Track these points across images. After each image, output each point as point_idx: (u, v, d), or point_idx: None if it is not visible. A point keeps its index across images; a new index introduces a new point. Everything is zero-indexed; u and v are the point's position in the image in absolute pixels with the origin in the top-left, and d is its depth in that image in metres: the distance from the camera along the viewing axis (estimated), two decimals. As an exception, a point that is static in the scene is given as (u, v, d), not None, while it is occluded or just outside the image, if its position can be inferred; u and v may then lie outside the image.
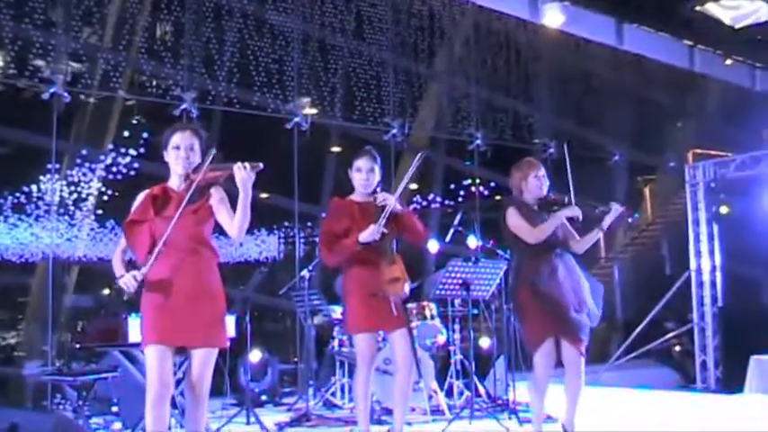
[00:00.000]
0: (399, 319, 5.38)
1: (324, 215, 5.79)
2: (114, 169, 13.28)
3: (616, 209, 5.97)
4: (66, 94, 9.41)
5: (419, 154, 5.57)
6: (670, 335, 12.65)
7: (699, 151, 15.41)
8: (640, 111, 14.70)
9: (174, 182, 4.64)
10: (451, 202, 15.42)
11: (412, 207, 5.38)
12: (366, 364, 5.43)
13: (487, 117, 12.40)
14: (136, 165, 12.82)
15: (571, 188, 5.87)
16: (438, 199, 15.07)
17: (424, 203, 14.70)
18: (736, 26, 9.16)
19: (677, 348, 12.95)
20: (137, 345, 5.80)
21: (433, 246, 8.49)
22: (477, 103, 12.16)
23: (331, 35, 10.97)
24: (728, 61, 11.74)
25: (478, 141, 11.98)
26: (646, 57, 11.56)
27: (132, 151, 12.90)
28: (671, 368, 12.83)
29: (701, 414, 8.21)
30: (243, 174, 4.47)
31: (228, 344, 4.78)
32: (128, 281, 4.41)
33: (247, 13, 10.35)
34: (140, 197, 4.62)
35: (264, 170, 4.52)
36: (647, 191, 17.47)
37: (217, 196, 4.62)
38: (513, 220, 5.93)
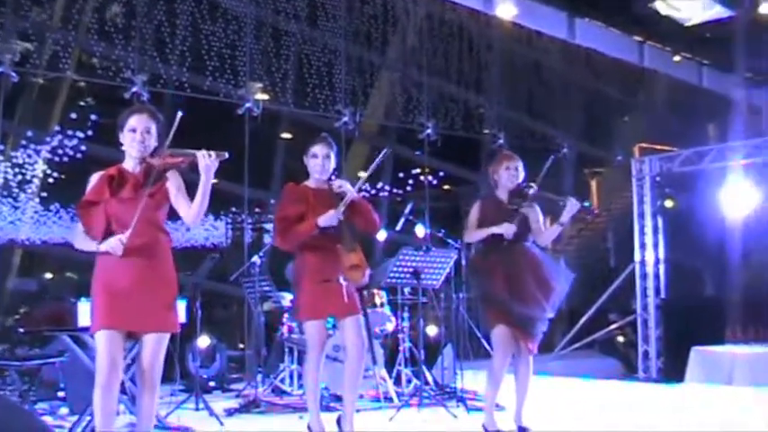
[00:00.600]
0: (351, 305, 5.40)
1: (278, 201, 5.76)
2: (60, 151, 13.10)
3: (572, 203, 6.06)
4: (13, 74, 9.26)
5: (384, 151, 5.59)
6: (614, 326, 12.85)
7: (645, 145, 15.67)
8: (589, 104, 14.89)
9: (129, 164, 4.59)
10: (400, 191, 15.48)
11: (360, 195, 5.42)
12: (316, 350, 5.44)
13: (439, 107, 12.44)
14: (83, 147, 12.67)
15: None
16: (387, 188, 15.11)
17: (373, 192, 14.72)
18: (687, 24, 9.29)
19: (620, 339, 13.15)
20: (86, 329, 5.75)
21: (381, 234, 8.52)
22: (429, 92, 12.19)
23: (284, 21, 10.92)
24: (677, 58, 11.93)
25: (429, 131, 12.01)
26: (596, 51, 11.66)
27: (80, 133, 12.75)
28: (614, 358, 13.02)
29: (644, 403, 8.36)
30: (207, 161, 4.46)
31: (179, 329, 4.76)
32: (115, 245, 4.38)
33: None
34: (95, 178, 4.57)
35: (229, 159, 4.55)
36: (593, 183, 17.70)
37: (174, 182, 4.60)
38: (471, 214, 6.10)
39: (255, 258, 7.92)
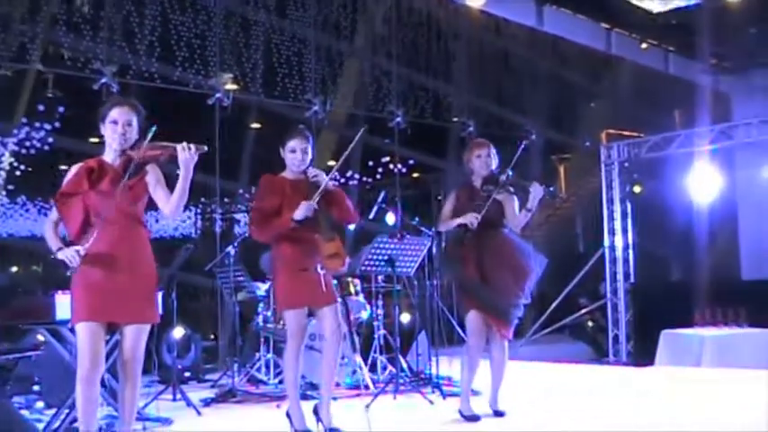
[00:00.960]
0: (328, 294, 5.44)
1: (255, 192, 5.77)
2: (28, 143, 12.99)
3: (537, 188, 6.14)
4: (-20, 67, 9.18)
5: (361, 130, 5.61)
6: (584, 311, 13.00)
7: (612, 131, 15.83)
8: (556, 91, 15.00)
9: (110, 156, 4.60)
10: (370, 180, 15.52)
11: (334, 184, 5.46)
12: (296, 340, 5.47)
13: (408, 95, 12.48)
14: (50, 139, 12.57)
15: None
16: (356, 176, 15.14)
17: (342, 180, 14.75)
18: (654, 11, 9.39)
19: (590, 323, 13.31)
20: (65, 322, 5.76)
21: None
22: (398, 81, 12.23)
23: (253, 11, 10.89)
24: (644, 45, 12.07)
25: (399, 119, 12.05)
26: (563, 38, 11.74)
27: (47, 125, 12.65)
28: (584, 342, 13.20)
29: (615, 386, 8.47)
30: (186, 155, 4.48)
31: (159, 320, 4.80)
32: (71, 255, 4.37)
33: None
34: (74, 169, 4.56)
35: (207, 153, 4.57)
36: (561, 169, 17.85)
37: (153, 174, 4.62)
38: (446, 203, 6.27)
39: (230, 249, 7.94)
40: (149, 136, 4.45)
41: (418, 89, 12.67)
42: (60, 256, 4.42)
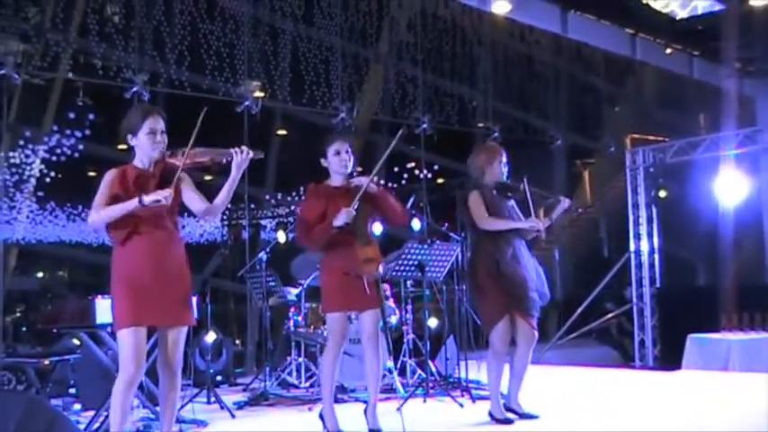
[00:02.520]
0: (372, 299, 5.54)
1: (302, 200, 5.89)
2: (58, 151, 13.19)
3: (564, 201, 6.24)
4: (16, 76, 9.34)
5: (399, 131, 5.68)
6: (609, 315, 13.02)
7: (637, 136, 15.86)
8: (580, 96, 15.06)
9: (143, 164, 4.70)
10: (395, 185, 15.60)
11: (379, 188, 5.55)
12: (336, 342, 5.60)
13: (434, 101, 12.57)
14: (80, 147, 12.77)
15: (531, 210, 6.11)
16: (381, 182, 15.22)
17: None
18: (678, 17, 9.46)
19: (616, 328, 13.33)
20: (104, 326, 5.89)
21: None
22: (424, 87, 12.32)
23: (280, 19, 11.02)
24: (668, 50, 12.11)
25: (425, 125, 12.14)
26: (587, 44, 11.80)
27: (77, 133, 12.85)
28: (610, 347, 13.22)
29: (643, 389, 8.51)
30: (241, 158, 4.62)
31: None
32: (165, 195, 4.49)
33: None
34: (112, 175, 4.62)
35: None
36: (585, 174, 17.86)
37: (187, 180, 4.74)
38: (474, 202, 6.18)
39: (262, 254, 8.06)
40: (192, 142, 4.57)
41: (443, 95, 12.75)
42: (152, 197, 4.49)
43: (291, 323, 8.28)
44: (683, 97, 14.68)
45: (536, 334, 6.27)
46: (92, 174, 12.34)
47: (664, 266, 12.05)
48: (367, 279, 5.47)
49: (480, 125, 13.26)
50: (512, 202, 6.30)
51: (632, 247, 12.04)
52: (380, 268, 5.57)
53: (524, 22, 11.36)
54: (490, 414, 6.35)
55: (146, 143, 4.66)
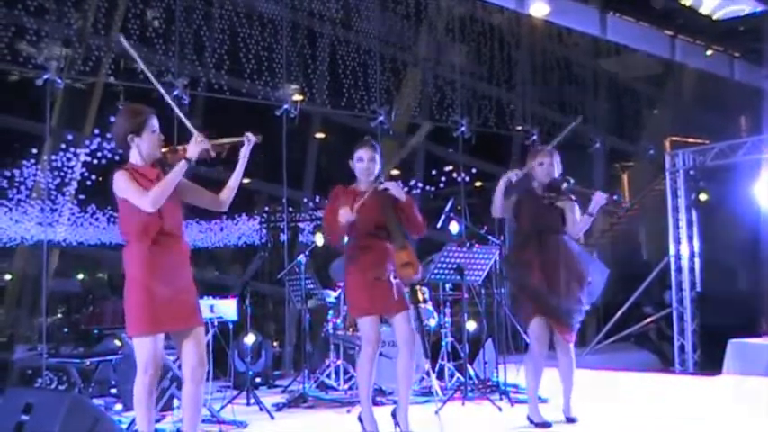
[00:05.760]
0: (400, 302, 5.58)
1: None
2: (99, 154, 13.35)
3: (598, 195, 6.21)
4: (59, 81, 9.46)
5: (422, 130, 5.77)
6: (648, 319, 12.93)
7: (677, 138, 15.72)
8: (619, 98, 14.98)
9: (142, 163, 4.70)
10: (433, 189, 15.61)
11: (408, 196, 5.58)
12: (371, 346, 5.62)
13: (472, 104, 12.56)
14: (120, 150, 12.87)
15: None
16: (419, 185, 15.25)
17: (406, 189, 14.81)
18: (715, 17, 9.39)
19: (655, 333, 13.22)
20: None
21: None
22: (462, 90, 12.31)
23: (319, 23, 11.08)
24: (709, 51, 12.01)
25: (463, 128, 12.12)
26: (626, 46, 11.72)
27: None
28: (649, 351, 13.10)
29: (685, 394, 8.47)
30: (247, 147, 4.77)
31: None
32: (202, 141, 4.61)
33: (237, 2, 10.43)
34: (125, 175, 4.60)
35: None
36: (624, 177, 17.75)
37: (184, 179, 4.74)
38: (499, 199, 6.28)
39: (301, 257, 8.11)
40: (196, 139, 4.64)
41: (481, 98, 12.73)
42: (195, 150, 4.57)
43: (330, 325, 8.32)
44: (723, 99, 14.53)
45: (569, 345, 6.27)
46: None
47: (704, 271, 11.94)
48: (399, 283, 5.49)
49: (518, 128, 13.22)
50: (565, 203, 6.27)
51: (672, 250, 11.94)
52: (418, 272, 5.59)
53: (563, 24, 11.28)
54: (529, 418, 6.34)
55: (149, 143, 4.69)
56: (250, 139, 4.75)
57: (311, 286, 8.43)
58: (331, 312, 8.40)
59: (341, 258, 8.41)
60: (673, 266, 11.89)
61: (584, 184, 6.47)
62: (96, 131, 13.28)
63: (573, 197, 6.26)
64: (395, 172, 14.68)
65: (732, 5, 9.19)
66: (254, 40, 10.61)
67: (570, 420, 6.36)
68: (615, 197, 6.49)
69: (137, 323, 4.63)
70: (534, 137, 12.84)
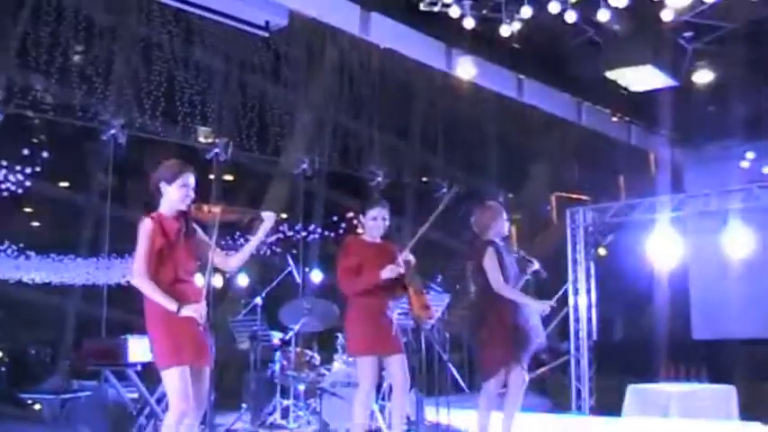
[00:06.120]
0: (398, 344, 6.01)
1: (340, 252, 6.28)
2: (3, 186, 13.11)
3: (534, 262, 6.84)
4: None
5: (451, 191, 6.25)
6: (545, 368, 13.65)
7: (561, 194, 16.71)
8: (507, 153, 15.81)
9: (169, 213, 5.03)
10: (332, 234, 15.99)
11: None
12: (369, 385, 6.04)
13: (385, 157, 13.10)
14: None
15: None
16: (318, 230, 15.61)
17: (304, 234, 15.17)
18: (632, 90, 10.25)
19: (550, 380, 13.96)
20: (134, 365, 6.15)
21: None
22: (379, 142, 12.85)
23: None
24: (614, 118, 12.93)
25: (379, 179, 12.66)
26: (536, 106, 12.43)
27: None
28: (545, 397, 13.80)
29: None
30: (271, 223, 5.07)
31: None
32: (201, 313, 4.88)
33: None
34: (150, 229, 4.92)
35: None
36: (513, 230, 18.55)
37: (201, 232, 5.12)
38: (491, 262, 6.63)
39: (258, 299, 8.40)
40: (214, 198, 4.99)
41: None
42: (187, 312, 4.85)
43: (277, 366, 8.59)
44: (601, 157, 15.42)
45: (526, 378, 6.80)
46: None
47: (600, 320, 12.76)
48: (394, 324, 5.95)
49: (425, 180, 13.81)
50: (513, 256, 6.82)
51: (571, 301, 12.69)
52: (433, 317, 6.06)
53: (484, 86, 11.92)
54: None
55: (178, 195, 5.01)
56: (271, 218, 5.09)
57: (255, 328, 8.65)
58: (278, 353, 8.66)
59: (292, 302, 8.80)
60: (572, 316, 12.64)
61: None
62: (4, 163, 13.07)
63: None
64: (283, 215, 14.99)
65: (651, 81, 10.00)
66: (189, 84, 10.87)
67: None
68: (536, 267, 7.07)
69: (161, 356, 4.92)
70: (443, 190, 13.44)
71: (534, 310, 6.60)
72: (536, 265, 6.88)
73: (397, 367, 6.06)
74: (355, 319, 6.13)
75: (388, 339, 5.99)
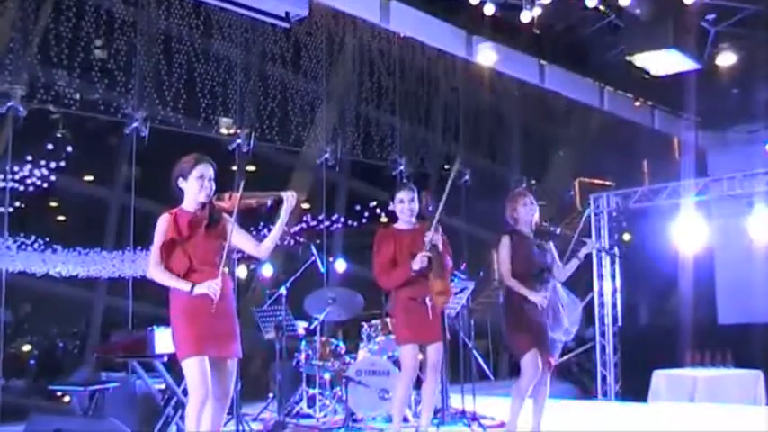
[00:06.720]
0: (437, 331, 6.08)
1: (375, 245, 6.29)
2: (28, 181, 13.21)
3: (590, 243, 6.76)
4: (21, 109, 9.58)
5: (455, 165, 6.27)
6: (569, 355, 13.66)
7: (585, 180, 16.64)
8: (529, 139, 15.76)
9: (191, 207, 5.06)
10: (355, 224, 16.01)
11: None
12: (411, 372, 6.14)
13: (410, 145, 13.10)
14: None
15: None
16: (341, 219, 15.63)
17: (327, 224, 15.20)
18: (654, 74, 10.20)
19: (576, 367, 13.97)
20: (160, 356, 6.22)
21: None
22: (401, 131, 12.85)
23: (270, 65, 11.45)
24: (637, 103, 12.92)
25: (402, 167, 12.68)
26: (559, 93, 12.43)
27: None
28: (570, 383, 13.83)
29: (623, 421, 9.10)
30: (292, 202, 5.02)
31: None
32: (214, 288, 4.86)
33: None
34: (165, 220, 5.00)
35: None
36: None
37: (230, 221, 5.10)
38: (503, 252, 6.62)
39: (282, 289, 8.45)
40: (242, 187, 4.97)
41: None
42: (200, 290, 4.87)
43: (303, 355, 8.64)
44: (625, 143, 15.36)
45: (548, 372, 6.78)
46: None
47: (625, 306, 12.74)
48: (432, 308, 5.98)
49: (446, 167, 13.75)
50: (549, 245, 6.75)
51: (596, 287, 12.69)
52: (450, 301, 6.08)
53: (505, 72, 11.92)
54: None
55: (194, 187, 5.03)
56: (290, 198, 5.04)
57: (280, 318, 8.69)
58: (304, 343, 8.71)
59: (316, 292, 8.85)
60: (596, 302, 12.64)
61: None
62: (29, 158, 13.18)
63: (554, 242, 6.79)
64: (306, 205, 15.01)
65: (674, 65, 9.96)
66: (210, 76, 10.90)
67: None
68: (611, 249, 7.02)
69: (180, 347, 4.95)
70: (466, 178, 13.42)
71: (536, 301, 6.53)
72: (592, 246, 6.78)
73: (434, 353, 6.12)
74: (398, 311, 6.21)
75: (429, 327, 6.05)
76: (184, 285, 4.91)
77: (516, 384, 6.80)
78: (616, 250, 6.87)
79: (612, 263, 12.66)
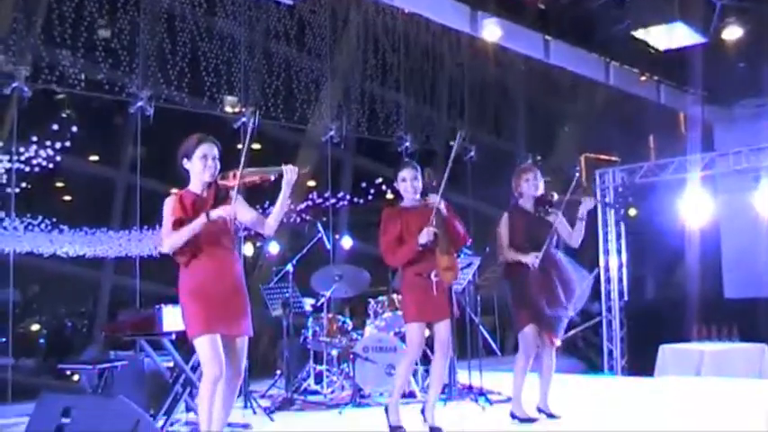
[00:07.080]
0: (444, 308, 6.08)
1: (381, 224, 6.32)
2: (34, 162, 13.23)
3: (587, 201, 6.75)
4: (26, 89, 9.58)
5: (458, 136, 6.29)
6: (576, 330, 13.67)
7: (590, 155, 16.58)
8: (533, 115, 15.71)
9: (197, 188, 5.11)
10: (361, 201, 16.01)
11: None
12: (416, 350, 6.21)
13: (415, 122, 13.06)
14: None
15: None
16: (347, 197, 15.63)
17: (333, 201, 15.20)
18: (660, 48, 10.16)
19: (582, 341, 14.00)
20: (168, 334, 6.26)
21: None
22: (406, 108, 12.82)
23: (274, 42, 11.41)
24: (643, 77, 12.88)
25: (407, 144, 12.66)
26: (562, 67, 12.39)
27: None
28: (576, 358, 13.86)
29: (629, 394, 9.14)
30: (293, 176, 5.01)
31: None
32: (229, 209, 4.91)
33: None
34: (171, 201, 5.03)
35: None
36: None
37: (239, 199, 5.09)
38: (502, 229, 6.77)
39: (289, 266, 8.48)
40: (242, 165, 4.97)
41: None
42: (217, 213, 4.91)
43: (310, 332, 8.68)
44: (630, 118, 15.32)
45: (553, 348, 6.83)
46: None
47: (631, 281, 12.76)
48: (437, 285, 5.98)
49: (451, 144, 13.72)
50: (554, 216, 6.75)
51: (602, 262, 12.71)
52: (457, 277, 6.09)
53: (510, 47, 11.89)
54: (512, 414, 6.83)
55: (198, 167, 5.06)
56: (289, 171, 5.01)
57: (287, 295, 8.72)
58: (311, 320, 8.75)
59: (323, 269, 8.87)
60: (602, 277, 12.66)
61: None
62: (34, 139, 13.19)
63: (558, 212, 6.78)
64: (311, 183, 15.00)
65: (680, 39, 9.91)
66: (214, 54, 10.87)
67: (551, 416, 6.90)
68: (607, 202, 6.99)
69: (190, 325, 4.98)
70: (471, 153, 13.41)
71: (528, 262, 6.56)
72: (592, 202, 6.78)
73: (443, 331, 6.15)
74: (406, 288, 6.24)
75: (436, 305, 6.06)
76: (200, 221, 4.91)
77: (515, 360, 6.87)
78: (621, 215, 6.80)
79: (618, 237, 12.68)
